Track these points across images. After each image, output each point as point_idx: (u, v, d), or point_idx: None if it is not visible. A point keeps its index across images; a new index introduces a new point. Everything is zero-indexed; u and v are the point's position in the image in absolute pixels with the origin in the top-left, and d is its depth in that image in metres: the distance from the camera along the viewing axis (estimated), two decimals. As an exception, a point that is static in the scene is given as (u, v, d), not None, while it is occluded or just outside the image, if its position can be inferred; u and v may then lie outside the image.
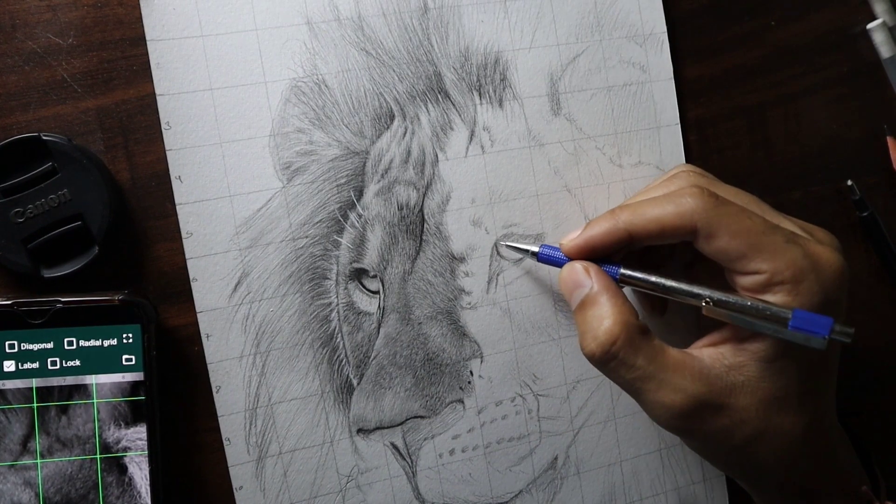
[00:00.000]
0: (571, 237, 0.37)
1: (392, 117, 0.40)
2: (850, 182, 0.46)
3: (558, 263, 0.37)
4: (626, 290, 0.38)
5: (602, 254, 0.36)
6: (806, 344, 0.32)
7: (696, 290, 0.34)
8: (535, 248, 0.39)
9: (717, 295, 0.33)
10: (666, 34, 0.43)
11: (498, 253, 0.41)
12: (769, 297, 0.33)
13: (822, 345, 0.31)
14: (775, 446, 0.34)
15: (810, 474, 0.36)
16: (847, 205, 0.47)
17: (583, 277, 0.36)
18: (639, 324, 0.34)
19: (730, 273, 0.34)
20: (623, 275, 0.36)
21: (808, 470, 0.35)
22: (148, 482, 0.36)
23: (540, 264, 0.41)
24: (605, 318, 0.34)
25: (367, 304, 0.40)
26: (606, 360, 0.34)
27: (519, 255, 0.41)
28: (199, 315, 0.38)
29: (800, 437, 0.34)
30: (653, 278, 0.35)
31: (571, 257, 0.37)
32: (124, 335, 0.36)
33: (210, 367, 0.38)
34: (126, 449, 0.36)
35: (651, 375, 0.33)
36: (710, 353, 0.34)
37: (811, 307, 0.32)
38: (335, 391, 0.40)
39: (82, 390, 0.36)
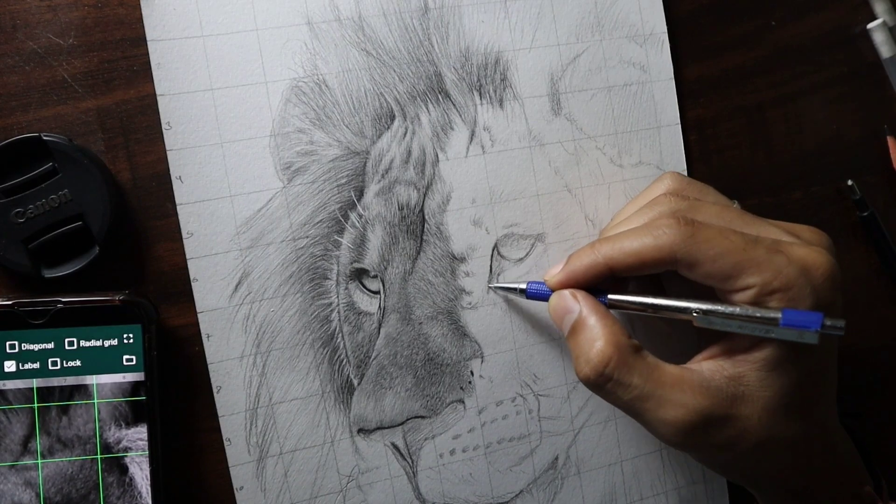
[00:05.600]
0: (554, 272, 0.37)
1: (392, 117, 0.40)
2: (850, 182, 0.46)
3: (545, 297, 0.38)
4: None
5: (585, 286, 0.36)
6: (800, 340, 0.32)
7: (684, 304, 0.34)
8: (523, 286, 0.39)
9: (705, 306, 0.33)
10: (666, 34, 0.43)
11: (498, 253, 0.41)
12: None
13: (814, 338, 0.31)
14: (780, 452, 0.34)
15: (814, 476, 0.36)
16: (847, 205, 0.47)
17: (571, 303, 0.36)
18: (631, 342, 0.34)
19: (720, 292, 0.34)
20: (611, 300, 0.36)
21: (812, 472, 0.35)
22: (149, 482, 0.36)
23: (542, 264, 0.41)
24: (595, 339, 0.34)
25: (368, 304, 0.40)
26: (602, 383, 0.34)
27: (526, 252, 0.41)
28: (199, 315, 0.38)
29: (803, 442, 0.34)
30: (640, 299, 0.35)
31: (555, 291, 0.37)
32: (125, 335, 0.36)
33: (211, 368, 0.38)
34: (127, 449, 0.36)
35: (649, 394, 0.33)
36: (709, 366, 0.34)
37: (805, 310, 0.32)
38: (336, 391, 0.40)
39: (83, 390, 0.36)
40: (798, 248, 0.33)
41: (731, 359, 0.34)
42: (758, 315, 0.32)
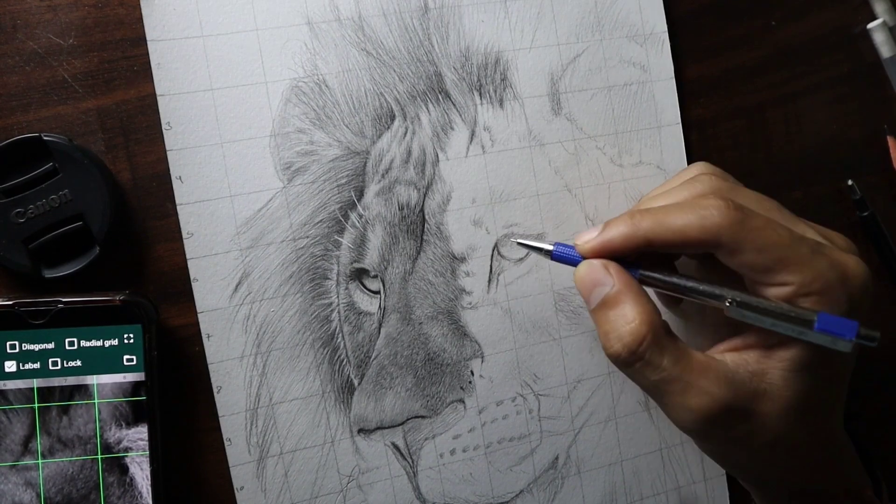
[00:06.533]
0: (587, 238, 0.35)
1: (393, 117, 0.40)
2: (850, 182, 0.46)
3: (573, 262, 0.36)
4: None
5: (618, 256, 0.35)
6: (832, 346, 0.31)
7: (718, 290, 0.33)
8: (549, 247, 0.37)
9: (740, 296, 0.33)
10: (666, 34, 0.43)
11: (498, 253, 0.41)
12: None
13: (847, 347, 0.31)
14: (789, 452, 0.34)
15: (818, 478, 0.36)
16: (847, 205, 0.47)
17: (603, 276, 0.34)
18: (664, 324, 0.34)
19: (753, 283, 0.33)
20: (642, 275, 0.35)
21: (815, 474, 0.35)
22: (149, 482, 0.36)
23: (542, 264, 0.41)
24: (630, 317, 0.33)
25: (368, 304, 0.40)
26: (632, 361, 0.33)
27: (526, 252, 0.41)
28: (199, 315, 0.38)
29: (813, 444, 0.34)
30: (674, 279, 0.34)
31: (586, 258, 0.35)
32: (125, 335, 0.36)
33: (211, 368, 0.38)
34: (127, 449, 0.36)
35: (677, 377, 0.33)
36: (733, 358, 0.34)
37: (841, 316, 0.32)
38: (336, 391, 0.40)
39: (83, 390, 0.36)
40: (839, 253, 0.33)
41: (756, 354, 0.33)
42: (793, 314, 0.31)
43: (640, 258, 0.36)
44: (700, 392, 0.33)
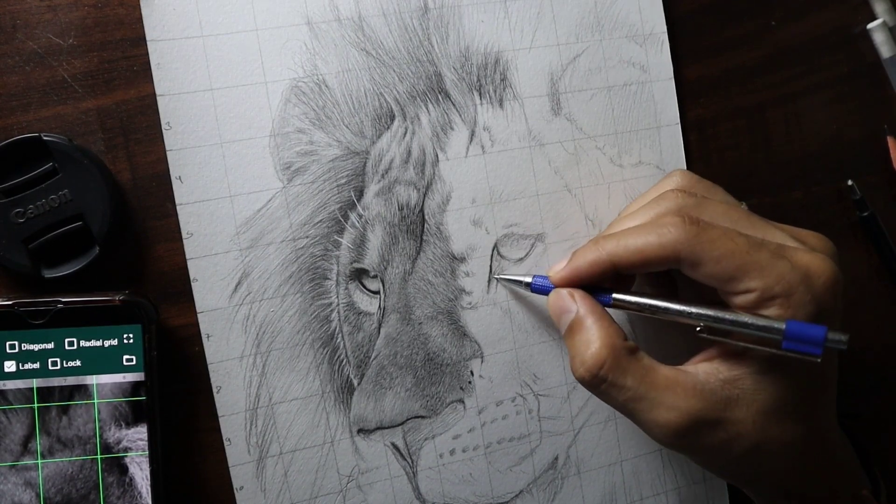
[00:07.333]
0: (558, 268, 0.37)
1: (392, 117, 0.40)
2: (850, 182, 0.46)
3: (548, 292, 0.38)
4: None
5: (588, 282, 0.36)
6: (803, 358, 0.32)
7: (688, 309, 0.34)
8: (528, 280, 0.39)
9: (711, 311, 0.33)
10: (666, 34, 0.43)
11: (498, 253, 0.41)
12: (763, 313, 0.33)
13: (817, 357, 0.31)
14: (775, 456, 0.34)
15: (812, 480, 0.35)
16: (847, 205, 0.47)
17: (568, 303, 0.36)
18: (626, 344, 0.34)
19: (722, 294, 0.34)
20: (616, 300, 0.36)
21: (809, 476, 0.35)
22: (149, 482, 0.36)
23: (541, 263, 0.41)
24: (591, 341, 0.34)
25: (368, 304, 0.40)
26: (596, 384, 0.34)
27: (526, 252, 0.41)
28: (199, 315, 0.38)
29: (800, 446, 0.34)
30: (645, 301, 0.35)
31: (559, 287, 0.37)
32: (125, 335, 0.36)
33: (210, 368, 0.38)
34: (127, 449, 0.36)
35: (642, 395, 0.33)
36: (704, 368, 0.34)
37: (805, 318, 0.32)
38: (336, 391, 0.40)
39: (83, 390, 0.36)
40: (802, 253, 0.33)
41: (726, 362, 0.34)
42: (761, 325, 0.32)
43: (620, 282, 0.37)
44: (667, 407, 0.33)
